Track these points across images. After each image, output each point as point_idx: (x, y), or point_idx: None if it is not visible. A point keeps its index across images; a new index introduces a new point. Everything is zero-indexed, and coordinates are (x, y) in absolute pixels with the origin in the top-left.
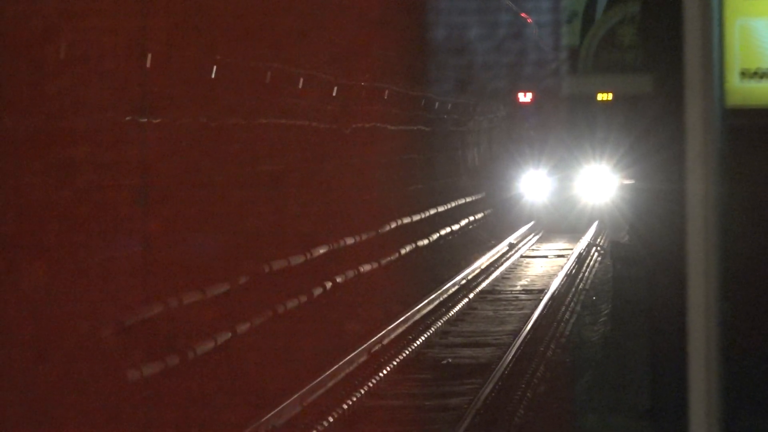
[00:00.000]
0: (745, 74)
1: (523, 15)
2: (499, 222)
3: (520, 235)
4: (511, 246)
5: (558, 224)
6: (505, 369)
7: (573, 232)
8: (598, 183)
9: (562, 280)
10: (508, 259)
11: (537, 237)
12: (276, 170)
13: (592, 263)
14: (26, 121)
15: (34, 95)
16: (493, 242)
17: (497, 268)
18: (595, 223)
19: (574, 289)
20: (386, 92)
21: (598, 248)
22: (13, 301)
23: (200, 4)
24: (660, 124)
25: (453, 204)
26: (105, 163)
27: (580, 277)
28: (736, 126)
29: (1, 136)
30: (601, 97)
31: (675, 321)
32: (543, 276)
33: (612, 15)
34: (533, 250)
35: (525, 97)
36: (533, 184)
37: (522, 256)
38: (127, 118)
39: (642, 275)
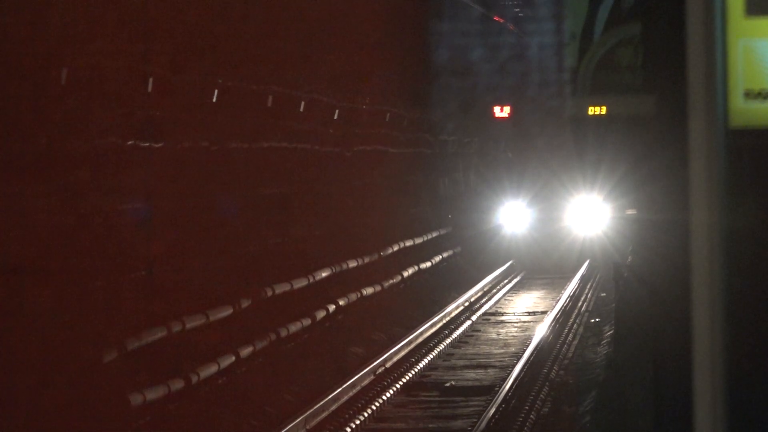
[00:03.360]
0: (749, 95)
1: (500, 21)
2: (463, 266)
3: (488, 284)
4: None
5: (541, 264)
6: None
7: (557, 278)
8: (589, 214)
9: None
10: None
11: (511, 286)
12: (278, 193)
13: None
14: (30, 145)
15: (38, 119)
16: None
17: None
18: (586, 263)
19: None
20: (387, 114)
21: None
22: (19, 326)
23: (202, 29)
24: (662, 145)
25: (395, 247)
26: (109, 187)
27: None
28: (740, 146)
29: (5, 160)
30: (592, 111)
31: (679, 352)
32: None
33: (610, 36)
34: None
35: (502, 112)
36: (513, 215)
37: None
38: (129, 143)
39: (645, 296)
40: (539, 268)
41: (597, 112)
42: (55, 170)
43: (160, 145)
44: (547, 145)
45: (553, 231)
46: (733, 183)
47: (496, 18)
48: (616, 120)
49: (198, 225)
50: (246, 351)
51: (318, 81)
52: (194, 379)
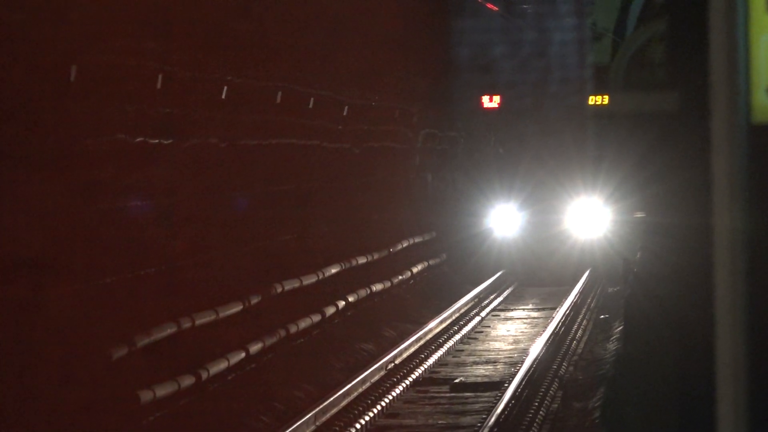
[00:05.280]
0: None
1: (494, 8)
2: (447, 276)
3: (464, 306)
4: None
5: (535, 275)
6: None
7: (552, 292)
8: (592, 218)
9: None
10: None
11: (494, 306)
12: (287, 190)
13: None
14: (51, 142)
15: (58, 117)
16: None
17: None
18: (587, 273)
19: None
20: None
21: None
22: (40, 324)
23: (222, 27)
24: (683, 142)
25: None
26: (129, 185)
27: None
28: (762, 142)
29: (27, 158)
30: (593, 100)
31: (703, 359)
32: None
33: (642, 32)
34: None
35: (491, 102)
36: (504, 219)
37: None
38: (138, 140)
39: (656, 291)
40: (533, 279)
41: (598, 103)
42: (76, 167)
43: (169, 141)
44: (544, 141)
45: (550, 236)
46: (755, 179)
47: (489, 5)
48: (642, 117)
49: (209, 222)
50: (256, 347)
51: (327, 78)
52: (204, 375)
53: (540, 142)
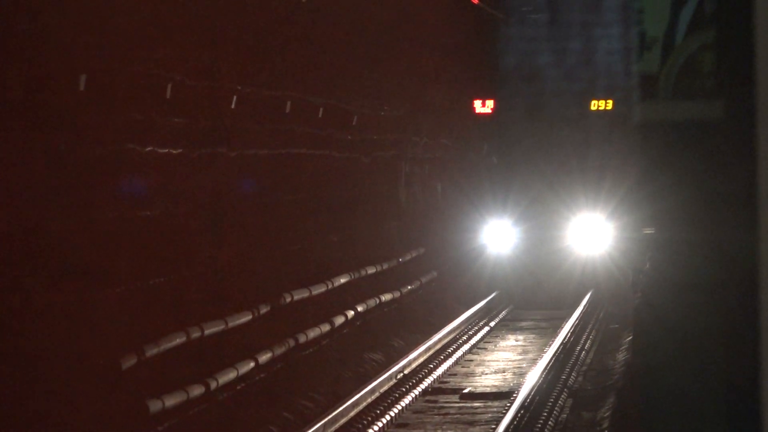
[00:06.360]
0: None
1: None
2: (435, 295)
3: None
4: None
5: (532, 297)
6: None
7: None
8: (592, 235)
9: None
10: None
11: (478, 339)
12: (295, 200)
13: None
14: (99, 150)
15: (105, 124)
16: None
17: None
18: (588, 295)
19: None
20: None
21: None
22: (86, 331)
23: (266, 38)
24: (729, 151)
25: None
26: (176, 192)
27: None
28: None
29: (74, 165)
30: (595, 105)
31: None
32: None
33: (692, 41)
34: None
35: (483, 107)
36: (498, 237)
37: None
38: (195, 151)
39: (664, 301)
40: (530, 302)
41: (599, 107)
42: (123, 175)
43: (179, 151)
44: (543, 151)
45: (550, 255)
46: None
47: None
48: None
49: (213, 230)
50: (265, 357)
51: (334, 87)
52: (213, 385)
53: (538, 152)
